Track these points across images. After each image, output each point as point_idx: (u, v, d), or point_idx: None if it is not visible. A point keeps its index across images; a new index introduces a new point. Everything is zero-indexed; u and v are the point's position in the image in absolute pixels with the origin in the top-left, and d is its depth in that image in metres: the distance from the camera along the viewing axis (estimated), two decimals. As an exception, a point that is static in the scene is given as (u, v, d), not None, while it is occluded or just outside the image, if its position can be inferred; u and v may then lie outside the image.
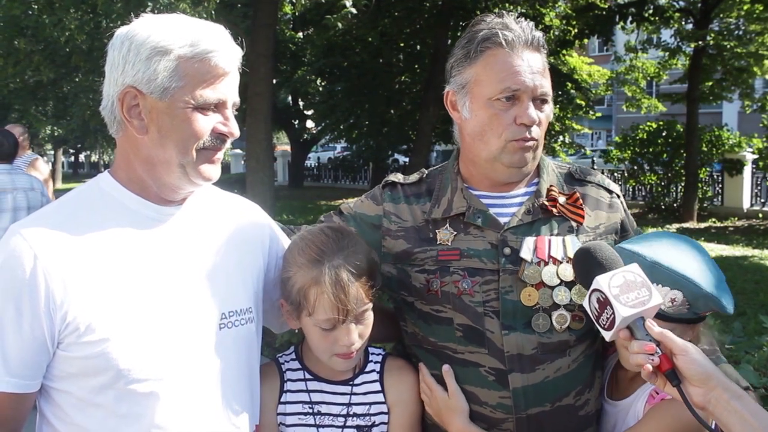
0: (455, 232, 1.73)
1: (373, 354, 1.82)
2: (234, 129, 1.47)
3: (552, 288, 1.67)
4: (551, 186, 1.77)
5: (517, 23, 1.68)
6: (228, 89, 1.45)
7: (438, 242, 1.74)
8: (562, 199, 1.75)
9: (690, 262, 1.63)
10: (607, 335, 1.40)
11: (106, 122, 1.48)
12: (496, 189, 1.77)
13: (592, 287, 1.41)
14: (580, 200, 1.77)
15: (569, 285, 1.67)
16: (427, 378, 1.76)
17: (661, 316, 1.60)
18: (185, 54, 1.39)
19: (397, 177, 1.90)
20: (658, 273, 1.58)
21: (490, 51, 1.66)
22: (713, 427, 1.39)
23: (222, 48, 1.43)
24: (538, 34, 1.69)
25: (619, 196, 1.88)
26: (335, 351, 1.65)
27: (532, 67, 1.65)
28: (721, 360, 1.73)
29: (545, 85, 1.68)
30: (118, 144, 1.50)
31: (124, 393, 1.39)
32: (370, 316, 1.68)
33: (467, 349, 1.70)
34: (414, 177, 1.89)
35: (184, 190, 1.51)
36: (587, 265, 1.47)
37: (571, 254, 1.66)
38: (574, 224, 1.74)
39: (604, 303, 1.38)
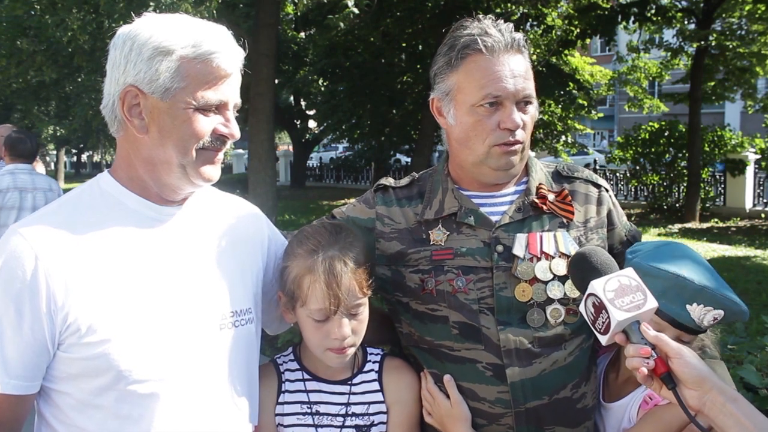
0: (448, 232, 1.75)
1: (371, 354, 1.82)
2: (235, 130, 1.47)
3: (545, 283, 1.69)
4: (540, 184, 1.79)
5: (496, 27, 1.69)
6: (230, 90, 1.45)
7: (431, 242, 1.76)
8: (551, 197, 1.77)
9: (721, 280, 1.68)
10: (603, 339, 1.41)
11: (107, 121, 1.48)
12: (485, 189, 1.79)
13: (587, 292, 1.42)
14: (569, 197, 1.80)
15: (562, 279, 1.69)
16: (430, 386, 1.76)
17: (693, 331, 1.65)
18: (187, 55, 1.39)
19: (388, 181, 1.92)
20: (705, 295, 1.62)
21: (470, 57, 1.68)
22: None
23: (224, 49, 1.42)
24: (518, 35, 1.70)
25: (607, 190, 1.89)
26: (327, 345, 1.65)
27: (513, 71, 1.67)
28: (707, 354, 1.75)
29: (528, 87, 1.69)
30: (119, 144, 1.50)
31: (125, 394, 1.39)
32: (364, 312, 1.68)
33: (463, 346, 1.71)
34: (405, 180, 1.91)
35: (185, 190, 1.51)
36: (583, 269, 1.48)
37: (562, 249, 1.70)
38: (564, 220, 1.76)
39: (599, 307, 1.38)
